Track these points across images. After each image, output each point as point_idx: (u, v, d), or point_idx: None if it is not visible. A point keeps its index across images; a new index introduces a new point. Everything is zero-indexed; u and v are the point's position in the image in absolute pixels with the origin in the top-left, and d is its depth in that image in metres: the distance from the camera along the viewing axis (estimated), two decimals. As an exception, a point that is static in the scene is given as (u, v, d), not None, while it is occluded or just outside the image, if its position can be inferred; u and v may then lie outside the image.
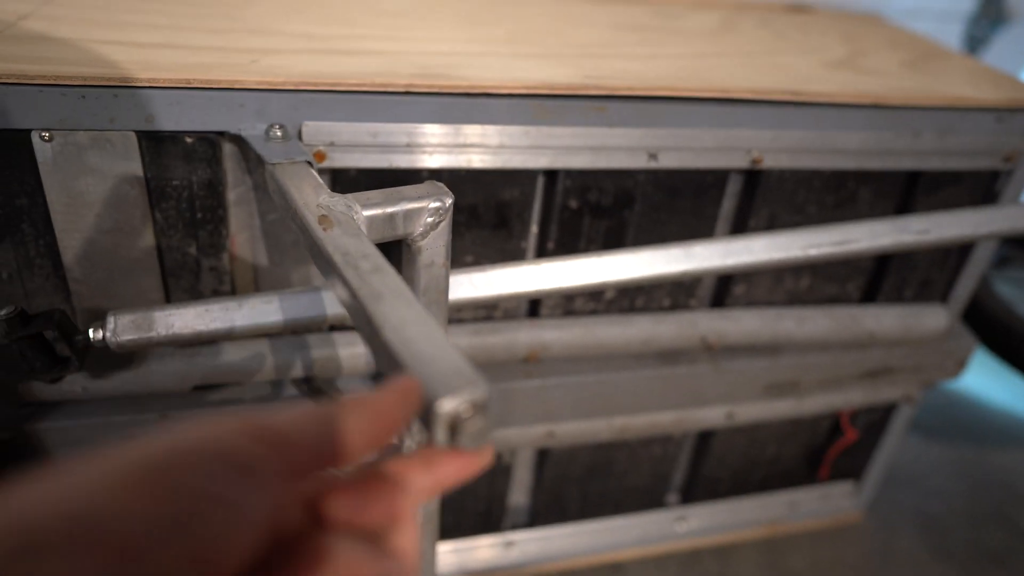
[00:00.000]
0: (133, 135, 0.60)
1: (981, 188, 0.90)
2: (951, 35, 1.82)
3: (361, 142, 0.65)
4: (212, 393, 0.75)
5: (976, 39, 2.10)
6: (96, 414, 0.71)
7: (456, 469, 0.33)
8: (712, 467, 1.11)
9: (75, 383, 0.69)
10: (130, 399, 0.73)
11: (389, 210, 0.53)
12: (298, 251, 0.73)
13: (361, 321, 0.41)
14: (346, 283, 0.43)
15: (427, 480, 0.32)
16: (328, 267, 0.46)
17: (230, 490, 0.22)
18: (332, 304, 0.65)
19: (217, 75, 0.60)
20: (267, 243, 0.72)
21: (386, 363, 0.38)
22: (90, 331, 0.61)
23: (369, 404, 0.30)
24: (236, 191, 0.68)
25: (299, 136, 0.64)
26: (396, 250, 0.59)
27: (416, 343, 0.37)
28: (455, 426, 0.33)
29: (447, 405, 0.33)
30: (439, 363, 0.35)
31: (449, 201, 0.55)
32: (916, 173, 0.86)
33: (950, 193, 0.89)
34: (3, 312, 0.58)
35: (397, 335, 0.37)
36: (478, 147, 0.69)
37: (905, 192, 0.88)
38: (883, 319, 0.94)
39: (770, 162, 0.79)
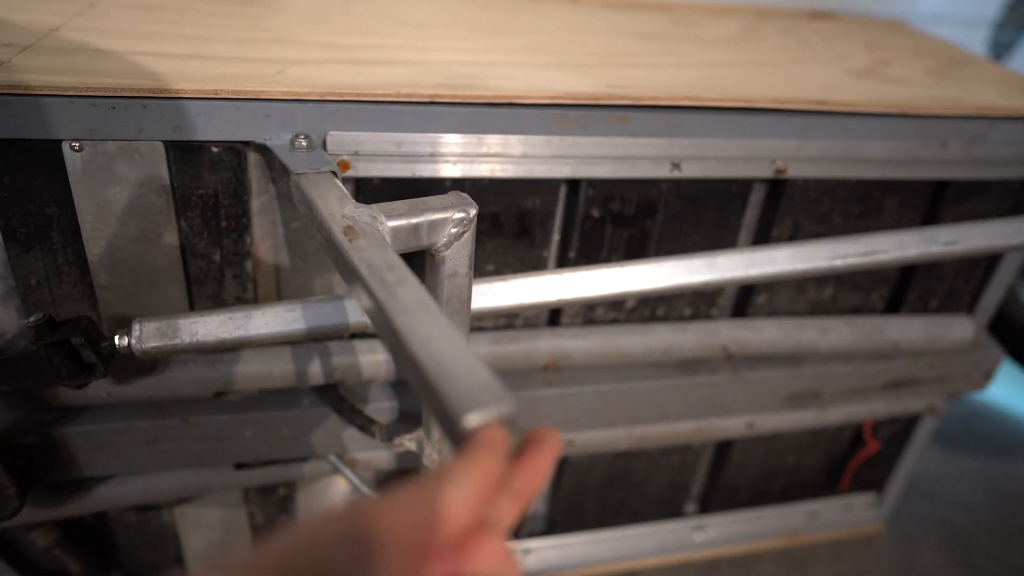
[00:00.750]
0: (161, 145, 0.61)
1: (1010, 198, 0.89)
2: (976, 41, 1.80)
3: (385, 152, 0.65)
4: (233, 399, 0.76)
5: (1002, 45, 2.07)
6: (119, 419, 0.72)
7: (533, 471, 0.33)
8: (731, 476, 1.10)
9: (100, 389, 0.70)
10: (153, 404, 0.73)
11: (414, 221, 0.53)
12: (320, 259, 0.74)
13: (387, 333, 0.41)
14: (372, 295, 0.43)
15: (513, 506, 0.32)
16: (354, 278, 0.46)
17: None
18: (354, 312, 0.65)
19: (244, 86, 0.61)
20: (290, 251, 0.73)
21: (412, 376, 0.38)
22: (116, 338, 0.61)
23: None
24: (260, 200, 0.69)
25: (324, 146, 0.64)
26: (419, 259, 0.60)
27: (443, 357, 0.37)
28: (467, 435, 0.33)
29: (474, 420, 0.33)
30: (466, 378, 0.35)
31: (473, 212, 0.55)
32: (943, 183, 0.85)
33: (978, 203, 0.87)
34: (32, 319, 0.58)
35: (424, 348, 0.37)
36: (501, 157, 0.69)
37: (932, 202, 0.87)
38: (908, 329, 0.92)
39: (794, 171, 0.78)
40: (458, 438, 0.34)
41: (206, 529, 0.88)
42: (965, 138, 0.81)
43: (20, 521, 0.74)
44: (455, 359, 0.36)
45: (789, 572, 1.17)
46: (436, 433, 0.69)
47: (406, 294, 0.42)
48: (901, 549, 1.24)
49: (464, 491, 0.29)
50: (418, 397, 0.77)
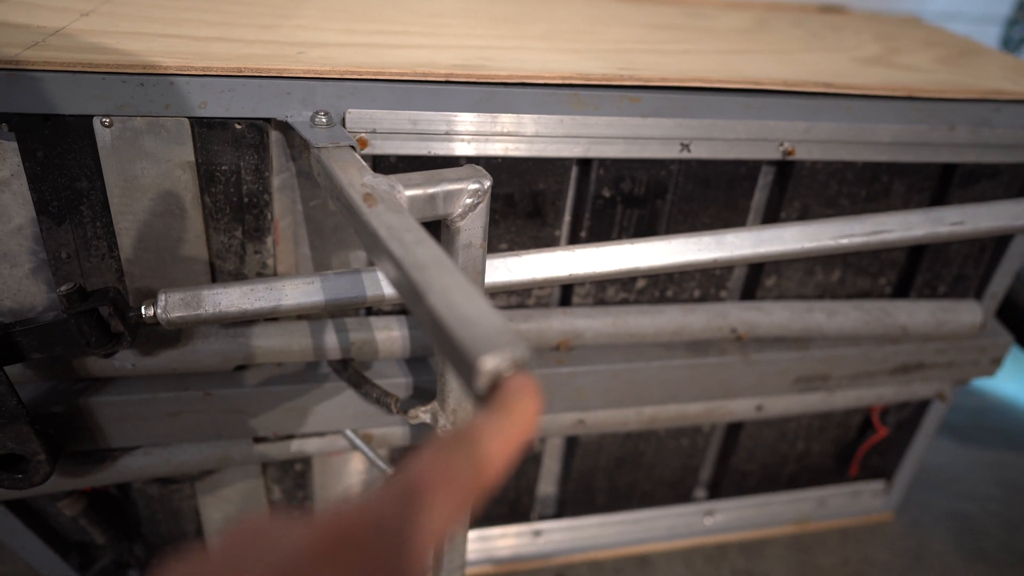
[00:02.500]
0: (186, 121, 0.63)
1: (1018, 182, 0.89)
2: (988, 37, 1.81)
3: (401, 129, 0.67)
4: (252, 372, 0.78)
5: (1013, 41, 2.07)
6: (144, 390, 0.74)
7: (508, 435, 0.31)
8: (741, 461, 1.11)
9: (125, 360, 0.73)
10: (176, 377, 0.76)
11: (430, 191, 0.55)
12: (338, 236, 0.76)
13: (406, 289, 0.43)
14: (391, 255, 0.45)
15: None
16: (373, 241, 0.48)
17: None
18: (371, 286, 0.67)
19: (267, 64, 0.63)
20: (309, 228, 0.75)
21: (431, 327, 0.40)
22: (142, 308, 0.63)
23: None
24: (280, 177, 0.71)
25: (343, 123, 0.66)
26: (434, 232, 0.61)
27: (460, 307, 0.38)
28: (497, 384, 0.35)
29: (489, 362, 0.35)
30: (482, 324, 0.37)
31: (488, 183, 0.57)
32: (951, 166, 0.86)
33: (986, 187, 0.88)
34: (63, 288, 0.61)
35: (441, 300, 0.39)
36: (514, 136, 0.71)
37: (939, 186, 0.88)
38: (916, 313, 0.93)
39: (802, 154, 0.79)
40: (473, 380, 0.35)
41: (226, 503, 0.91)
42: (973, 121, 0.82)
43: (49, 489, 0.77)
44: (471, 309, 0.38)
45: (798, 559, 1.18)
46: (450, 404, 0.71)
47: (424, 252, 0.44)
48: (910, 537, 1.24)
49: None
50: (436, 346, 0.79)
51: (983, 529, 1.27)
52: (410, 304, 0.44)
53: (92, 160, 0.63)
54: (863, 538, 1.23)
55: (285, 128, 0.68)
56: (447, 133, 0.69)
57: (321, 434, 0.84)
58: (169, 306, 0.63)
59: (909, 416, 1.14)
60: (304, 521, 0.25)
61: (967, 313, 0.95)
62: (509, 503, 1.06)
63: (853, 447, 1.15)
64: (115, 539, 0.89)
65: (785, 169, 0.83)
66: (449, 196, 0.56)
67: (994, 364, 1.03)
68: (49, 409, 0.71)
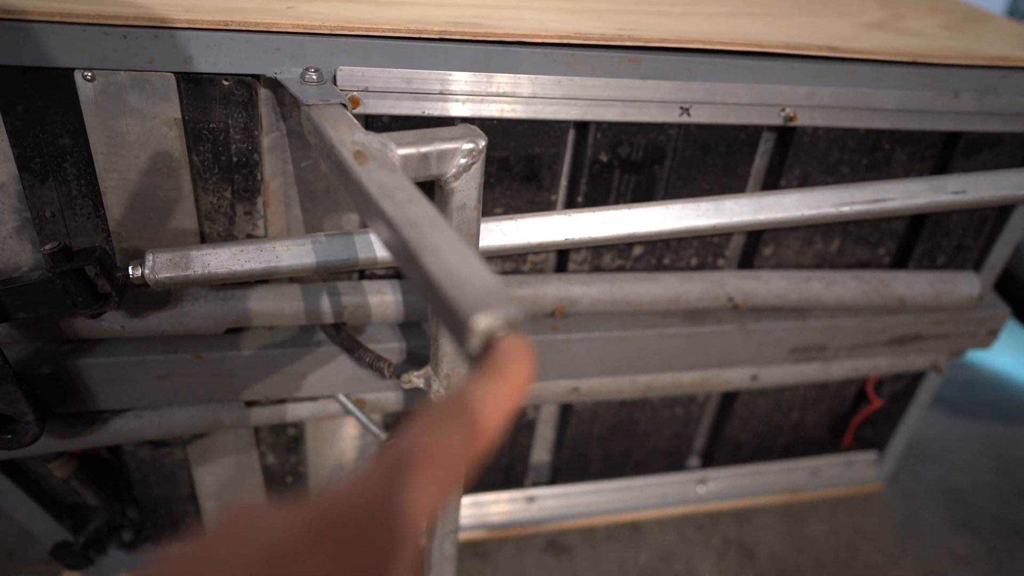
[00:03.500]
0: (172, 76, 0.61)
1: (1022, 152, 0.88)
2: (995, 5, 1.78)
3: (395, 88, 0.66)
4: (243, 335, 0.77)
5: (1020, 11, 2.04)
6: (133, 352, 0.73)
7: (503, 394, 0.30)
8: (735, 431, 1.12)
9: (114, 321, 0.72)
10: (166, 339, 0.75)
11: (423, 149, 0.53)
12: (330, 199, 0.74)
13: (398, 249, 0.42)
14: (382, 213, 0.43)
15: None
16: (364, 200, 0.46)
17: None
18: (364, 248, 0.66)
19: (255, 19, 0.61)
20: (300, 190, 0.73)
21: (423, 286, 0.39)
22: (129, 268, 0.62)
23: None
24: (270, 137, 0.69)
25: (334, 81, 0.64)
26: (427, 193, 0.60)
27: (453, 266, 0.37)
28: (490, 344, 0.34)
29: (482, 322, 0.34)
30: (475, 284, 0.36)
31: (482, 143, 0.55)
32: (955, 135, 0.85)
33: (989, 156, 0.87)
34: (48, 247, 0.59)
35: (434, 259, 0.38)
36: (510, 97, 0.69)
37: (942, 154, 0.87)
38: (914, 284, 0.93)
39: (804, 120, 0.78)
40: (466, 340, 0.34)
41: (218, 467, 0.90)
42: (977, 88, 0.80)
43: (38, 451, 0.76)
44: (464, 268, 0.37)
45: (789, 527, 1.19)
46: (444, 369, 0.70)
47: (416, 210, 0.42)
48: (901, 507, 1.25)
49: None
50: (428, 306, 0.78)
51: (973, 500, 1.28)
52: (402, 264, 0.43)
53: (75, 116, 0.61)
54: (854, 508, 1.24)
55: (275, 85, 0.66)
56: (441, 93, 0.67)
57: (314, 399, 0.84)
58: (157, 266, 0.62)
59: (903, 388, 1.14)
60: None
61: (965, 284, 0.95)
62: (503, 470, 1.06)
63: (847, 418, 1.16)
64: (107, 501, 0.89)
65: (786, 135, 0.81)
66: (443, 155, 0.54)
67: (990, 336, 1.03)
68: (37, 370, 0.70)
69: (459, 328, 0.35)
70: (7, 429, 0.66)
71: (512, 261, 0.84)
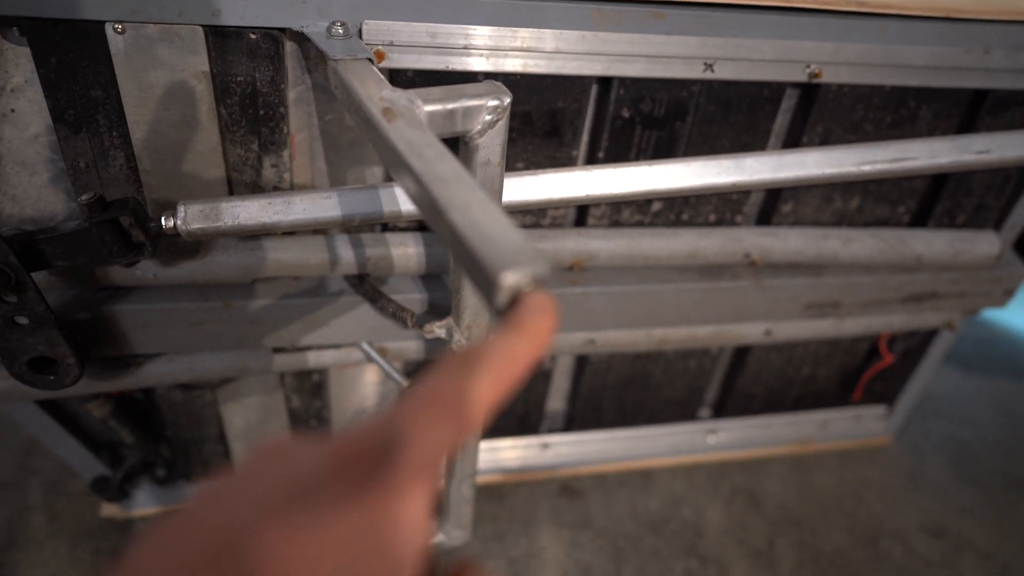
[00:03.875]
0: (200, 29, 0.62)
1: (1049, 110, 0.87)
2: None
3: (419, 42, 0.66)
4: (270, 285, 0.79)
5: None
6: (166, 300, 0.75)
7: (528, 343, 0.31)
8: (746, 384, 1.14)
9: (147, 270, 0.74)
10: (197, 288, 0.77)
11: (449, 106, 0.54)
12: (354, 152, 0.75)
13: (426, 205, 0.43)
14: (411, 170, 0.45)
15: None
16: (393, 156, 0.48)
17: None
18: (388, 201, 0.67)
19: (281, -30, 0.61)
20: (324, 143, 0.74)
21: (451, 242, 0.40)
22: (162, 219, 0.64)
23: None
24: (296, 90, 0.70)
25: (359, 35, 0.65)
26: (452, 149, 0.61)
27: (480, 223, 0.39)
28: (516, 300, 0.36)
29: (510, 278, 0.36)
30: (502, 240, 0.37)
31: (507, 100, 0.56)
32: (982, 93, 0.84)
33: (1016, 115, 0.86)
34: (84, 197, 0.61)
35: (462, 216, 0.39)
36: (533, 52, 0.69)
37: (968, 113, 0.86)
38: (933, 243, 0.93)
39: (829, 76, 0.77)
40: (493, 296, 0.36)
41: (246, 410, 0.94)
42: (1009, 45, 0.79)
43: (78, 392, 0.80)
44: (492, 225, 0.39)
45: (796, 477, 1.22)
46: (465, 320, 0.72)
47: (444, 167, 0.44)
48: (908, 461, 1.28)
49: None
50: (455, 261, 0.80)
51: (980, 455, 1.31)
52: (430, 219, 0.44)
53: (106, 68, 0.62)
54: (862, 460, 1.27)
55: (301, 39, 0.66)
56: (465, 47, 0.67)
57: (337, 346, 0.86)
58: (189, 217, 0.64)
59: (916, 344, 1.15)
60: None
61: (985, 244, 0.95)
62: (519, 417, 1.10)
63: (858, 373, 1.17)
64: (142, 439, 0.93)
65: (810, 92, 0.81)
66: (468, 112, 0.55)
67: (1006, 295, 1.03)
68: (75, 316, 0.73)
69: (487, 283, 0.37)
70: (50, 371, 0.70)
71: (532, 215, 0.85)
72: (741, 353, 1.10)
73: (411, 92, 0.54)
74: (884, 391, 1.23)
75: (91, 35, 0.61)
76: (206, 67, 0.64)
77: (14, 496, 1.08)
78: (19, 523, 1.04)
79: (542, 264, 0.37)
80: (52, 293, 0.73)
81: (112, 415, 0.87)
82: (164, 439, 0.97)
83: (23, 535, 1.02)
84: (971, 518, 1.18)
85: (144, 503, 1.04)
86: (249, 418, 0.95)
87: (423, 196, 0.43)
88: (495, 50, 0.68)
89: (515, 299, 0.36)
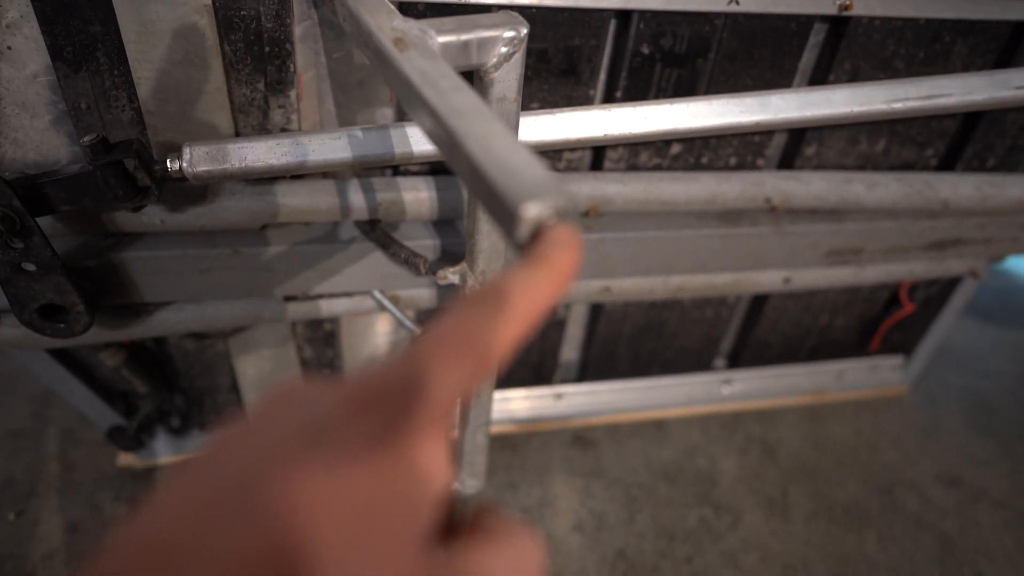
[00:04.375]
0: (200, -41, 0.59)
1: (1091, 45, 0.83)
2: None
3: (430, -28, 0.63)
4: (279, 231, 0.78)
5: None
6: (174, 247, 0.74)
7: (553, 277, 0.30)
8: (763, 333, 1.12)
9: (154, 216, 0.72)
10: (205, 234, 0.76)
11: (463, 37, 0.52)
12: (363, 92, 0.73)
13: (442, 139, 0.41)
14: (425, 102, 0.42)
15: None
16: (406, 89, 0.45)
17: None
18: (399, 142, 0.65)
19: None
20: (332, 83, 0.72)
21: (469, 176, 0.38)
22: (168, 161, 0.62)
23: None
24: (302, 26, 0.67)
25: (367, -37, 0.61)
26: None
27: (500, 155, 0.37)
28: (538, 233, 0.34)
29: (532, 209, 0.34)
30: (524, 172, 0.35)
31: (524, 31, 0.53)
32: (1022, 25, 0.79)
33: (1055, 50, 0.82)
34: (87, 139, 0.59)
35: (481, 147, 0.37)
36: (550, -18, 0.66)
37: (1006, 48, 0.82)
38: (960, 187, 0.90)
39: (860, 8, 0.73)
40: (515, 228, 0.34)
41: (258, 359, 0.93)
42: (1053, -27, 0.74)
43: (89, 340, 0.79)
44: (512, 156, 0.36)
45: (811, 427, 1.22)
46: (480, 266, 0.70)
47: (461, 99, 0.41)
48: (924, 411, 1.27)
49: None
50: (474, 195, 0.78)
51: (996, 405, 1.30)
52: (446, 154, 0.42)
53: (105, 2, 0.60)
54: (877, 409, 1.26)
55: (305, -31, 0.63)
56: (479, -23, 0.64)
57: (349, 294, 0.85)
58: (195, 159, 0.62)
59: (937, 293, 1.13)
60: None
61: (1015, 188, 0.92)
62: (532, 366, 1.09)
63: (877, 322, 1.16)
64: (156, 389, 0.93)
65: (839, 26, 0.77)
66: (483, 44, 0.52)
67: (1034, 241, 1.01)
68: (83, 263, 0.72)
69: (507, 217, 0.35)
70: (60, 318, 0.69)
71: (547, 158, 0.82)
72: (759, 301, 1.08)
73: (424, 22, 0.51)
74: (902, 341, 1.21)
75: (86, -34, 0.58)
76: (208, 1, 0.62)
77: (32, 445, 1.09)
78: (38, 471, 1.05)
79: (566, 197, 0.35)
80: (59, 239, 0.72)
81: (125, 364, 0.86)
82: (178, 389, 0.97)
83: (43, 483, 1.03)
84: (986, 470, 1.17)
85: (160, 452, 1.05)
86: (261, 367, 0.95)
87: (439, 129, 0.41)
88: (510, -19, 0.65)
89: (537, 233, 0.34)
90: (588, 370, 1.11)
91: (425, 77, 0.44)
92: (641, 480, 1.10)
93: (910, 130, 0.88)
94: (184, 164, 0.62)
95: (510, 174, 0.36)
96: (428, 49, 0.48)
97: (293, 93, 0.69)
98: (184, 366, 0.93)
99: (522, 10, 0.68)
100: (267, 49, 0.66)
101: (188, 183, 0.66)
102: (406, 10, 0.66)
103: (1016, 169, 0.94)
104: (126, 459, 1.05)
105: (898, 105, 0.71)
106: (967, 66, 0.82)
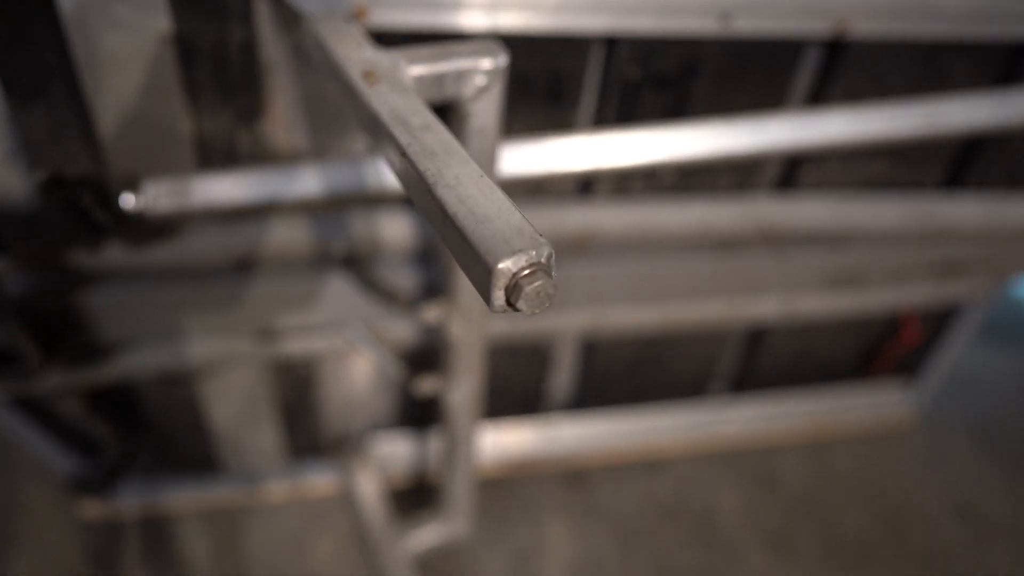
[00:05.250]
0: (161, -15, 0.56)
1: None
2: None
3: (406, -5, 0.59)
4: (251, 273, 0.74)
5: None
6: (139, 284, 0.70)
7: None
8: (764, 360, 1.09)
9: (116, 254, 0.68)
10: (171, 270, 0.72)
11: (438, 69, 0.48)
12: (339, 121, 0.69)
13: (411, 181, 0.37)
14: (395, 141, 0.39)
15: None
16: (375, 125, 0.42)
17: None
18: (375, 175, 0.61)
19: (248, -84, 0.55)
20: (306, 112, 0.68)
21: (439, 223, 0.35)
22: (127, 197, 0.58)
23: None
24: (273, 53, 0.63)
25: (338, -12, 0.58)
26: (443, 116, 0.55)
27: (473, 200, 0.33)
28: (514, 289, 0.30)
29: (506, 266, 0.30)
30: (498, 222, 0.32)
31: (504, 60, 0.49)
32: (1021, 49, 0.77)
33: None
34: (38, 175, 0.56)
35: (452, 193, 0.34)
36: (534, 6, 0.63)
37: (1006, 70, 0.79)
38: (965, 210, 0.86)
39: (857, 28, 0.70)
40: (489, 287, 0.31)
41: (231, 403, 0.89)
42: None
43: (46, 389, 0.75)
44: (486, 203, 0.33)
45: (813, 456, 1.17)
46: (462, 301, 0.67)
47: (432, 138, 0.38)
48: (932, 439, 1.23)
49: None
50: (445, 245, 0.75)
51: (1006, 433, 1.25)
52: (416, 198, 0.38)
53: (58, 30, 0.56)
54: (884, 439, 1.22)
55: (274, -6, 0.60)
56: (455, 3, 0.61)
57: (326, 330, 0.81)
58: (155, 195, 0.58)
59: (943, 318, 1.10)
60: None
61: (1021, 208, 0.88)
62: (522, 399, 1.05)
63: (881, 347, 1.12)
64: (124, 434, 0.88)
65: (834, 51, 0.74)
66: (460, 76, 0.49)
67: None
68: (39, 303, 0.68)
69: (482, 272, 0.31)
70: (10, 365, 0.64)
71: (532, 187, 0.79)
72: (758, 326, 1.05)
73: (396, 53, 0.48)
74: (910, 367, 1.18)
75: (38, -6, 0.54)
76: (170, 28, 0.58)
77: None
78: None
79: (545, 248, 0.31)
80: (14, 279, 0.68)
81: (91, 411, 0.82)
82: (147, 434, 0.92)
83: (5, 533, 0.98)
84: (996, 498, 1.13)
85: (128, 498, 1.00)
86: (234, 410, 0.90)
87: (407, 170, 0.38)
88: (490, 5, 0.62)
89: (514, 287, 0.31)
90: (584, 400, 1.07)
91: (395, 114, 0.40)
92: (638, 517, 1.06)
93: (911, 149, 0.86)
94: (144, 201, 0.58)
95: (484, 224, 0.32)
96: (400, 82, 0.45)
97: (263, 122, 0.66)
98: (156, 411, 0.89)
99: (505, 38, 0.64)
100: (233, 78, 0.62)
101: (151, 220, 0.62)
102: (381, 40, 0.63)
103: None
104: (92, 507, 0.99)
105: (897, 125, 0.68)
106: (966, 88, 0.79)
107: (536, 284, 0.30)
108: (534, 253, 0.30)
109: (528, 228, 0.32)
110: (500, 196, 0.34)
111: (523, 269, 0.30)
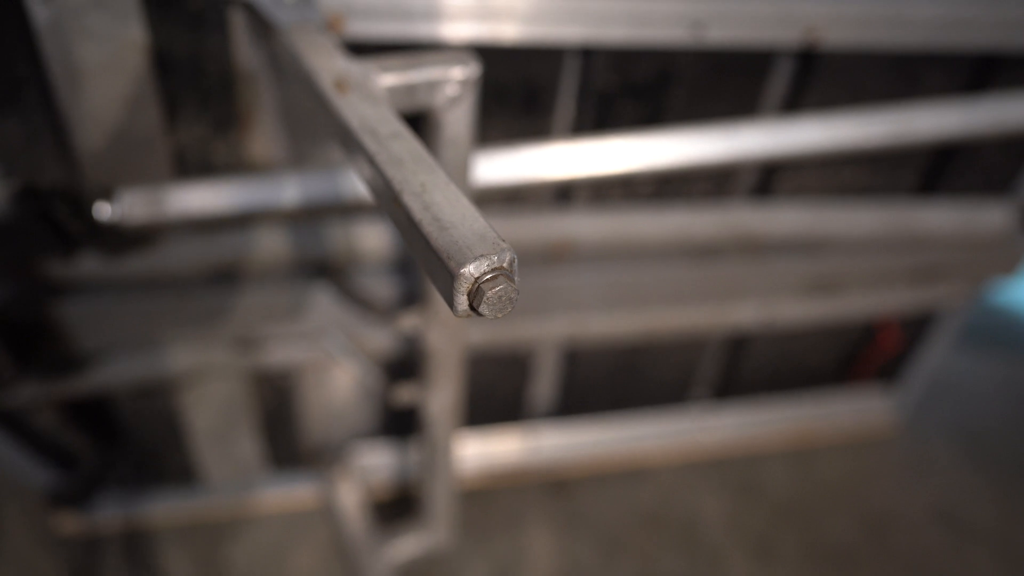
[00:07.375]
0: (134, -4, 0.56)
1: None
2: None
3: (379, 7, 0.60)
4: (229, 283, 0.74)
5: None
6: (114, 294, 0.70)
7: None
8: (745, 366, 1.09)
9: (90, 265, 0.68)
10: (148, 280, 0.71)
11: (410, 78, 0.49)
12: (317, 132, 0.69)
13: (379, 189, 0.38)
14: (363, 149, 0.39)
15: None
16: (344, 134, 0.42)
17: None
18: (352, 184, 0.62)
19: (222, -72, 0.55)
20: (284, 121, 0.68)
21: (405, 229, 0.35)
22: (101, 207, 0.58)
23: None
24: (248, 63, 0.64)
25: (313, -1, 0.58)
26: (416, 126, 0.55)
27: (437, 207, 0.33)
28: (476, 293, 0.31)
29: (468, 271, 0.30)
30: (462, 228, 0.32)
31: (476, 70, 0.50)
32: (991, 58, 0.78)
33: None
34: (10, 185, 0.55)
35: (417, 200, 0.34)
36: (508, 16, 0.63)
37: (977, 78, 0.80)
38: (939, 217, 0.87)
39: (828, 37, 0.71)
40: (453, 296, 0.31)
41: (208, 407, 0.88)
42: None
43: (25, 399, 0.74)
44: (450, 210, 0.33)
45: (797, 463, 1.18)
46: (437, 309, 0.67)
47: (400, 147, 0.38)
48: (914, 446, 1.23)
49: None
50: (412, 253, 0.75)
51: (988, 440, 1.26)
52: (384, 206, 0.39)
53: (30, 41, 0.56)
54: (867, 445, 1.22)
55: (248, 6, 0.60)
56: (431, 13, 0.61)
57: (305, 339, 0.81)
58: (130, 205, 0.58)
59: (923, 324, 1.11)
60: None
61: (996, 214, 0.89)
62: (506, 409, 1.05)
63: (862, 354, 1.13)
64: (98, 440, 0.87)
65: (807, 61, 0.75)
66: (432, 85, 0.49)
67: (1014, 262, 0.98)
68: (13, 314, 0.67)
69: (445, 277, 0.32)
70: (-14, 377, 0.64)
71: (508, 197, 0.79)
72: (739, 332, 1.05)
73: (368, 63, 0.48)
74: (891, 373, 1.19)
75: (11, 4, 0.54)
76: (144, 40, 0.58)
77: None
78: (-20, 532, 0.98)
79: (508, 254, 0.31)
80: (-12, 292, 0.67)
81: (67, 422, 0.81)
82: (125, 447, 0.92)
83: (-15, 544, 0.97)
84: (980, 505, 1.14)
85: (106, 511, 0.99)
86: (214, 421, 0.90)
87: (376, 178, 0.38)
88: (465, 15, 0.62)
89: (476, 293, 0.31)
90: (566, 408, 1.07)
91: (364, 123, 0.41)
92: (621, 525, 1.06)
93: (888, 156, 0.87)
94: (118, 210, 0.58)
95: (448, 230, 0.32)
96: (371, 92, 0.45)
97: (240, 132, 0.66)
98: (130, 420, 0.88)
99: (479, 49, 0.65)
100: (209, 88, 0.62)
101: (125, 230, 0.62)
102: (355, 51, 0.63)
103: (995, 189, 0.93)
104: (69, 520, 0.98)
105: (871, 131, 0.69)
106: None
107: (498, 288, 0.30)
108: (496, 258, 0.31)
109: (491, 234, 0.32)
110: (465, 203, 0.34)
111: (485, 274, 0.31)
